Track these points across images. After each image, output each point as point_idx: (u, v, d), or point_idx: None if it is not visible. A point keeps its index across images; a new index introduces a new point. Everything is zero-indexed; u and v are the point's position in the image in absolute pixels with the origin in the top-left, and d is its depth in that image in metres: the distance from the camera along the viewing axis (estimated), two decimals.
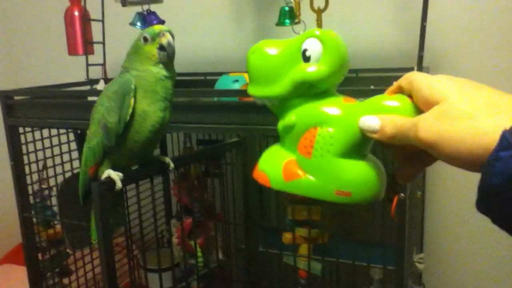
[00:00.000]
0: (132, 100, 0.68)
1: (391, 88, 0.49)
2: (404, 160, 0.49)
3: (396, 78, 1.20)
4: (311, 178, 0.50)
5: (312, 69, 0.50)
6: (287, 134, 0.53)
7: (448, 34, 1.24)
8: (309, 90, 0.51)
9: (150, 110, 0.70)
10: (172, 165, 0.76)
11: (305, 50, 0.50)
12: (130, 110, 0.68)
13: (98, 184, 0.64)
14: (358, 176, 0.49)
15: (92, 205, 0.73)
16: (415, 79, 0.44)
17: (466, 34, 1.23)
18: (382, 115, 0.46)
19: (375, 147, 0.52)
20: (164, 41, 0.69)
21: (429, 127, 0.40)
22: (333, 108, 0.50)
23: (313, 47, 0.50)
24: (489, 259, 1.29)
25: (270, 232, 1.03)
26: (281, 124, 0.53)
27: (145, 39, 0.70)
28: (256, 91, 0.54)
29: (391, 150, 0.51)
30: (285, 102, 0.53)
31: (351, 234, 1.00)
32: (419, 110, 0.44)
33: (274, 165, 0.54)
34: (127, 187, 0.77)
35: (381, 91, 0.51)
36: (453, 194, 1.29)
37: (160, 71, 0.70)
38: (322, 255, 0.96)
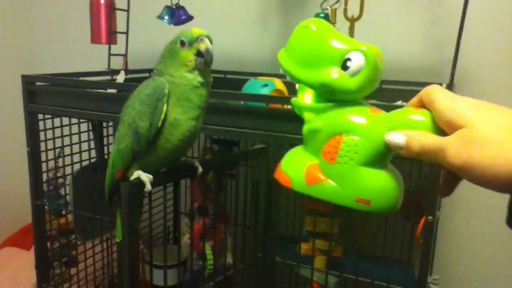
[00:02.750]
0: (165, 107, 0.65)
1: (412, 101, 0.49)
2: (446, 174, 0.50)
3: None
4: (333, 183, 0.51)
5: (344, 79, 0.50)
6: (311, 138, 0.54)
7: (475, 51, 1.22)
8: (336, 96, 0.52)
9: (182, 119, 0.67)
10: (200, 169, 0.74)
11: (347, 59, 0.50)
12: (163, 117, 0.65)
13: (129, 185, 0.63)
14: (379, 185, 0.50)
15: (117, 204, 0.72)
16: (436, 99, 0.45)
17: (494, 52, 1.21)
18: (408, 130, 0.46)
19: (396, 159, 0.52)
20: (202, 47, 0.66)
21: (458, 153, 0.41)
22: (359, 117, 0.50)
23: (356, 61, 0.50)
24: (502, 280, 1.28)
25: (286, 241, 1.01)
26: (306, 128, 0.54)
27: (182, 43, 0.67)
28: (285, 61, 0.54)
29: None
30: (314, 108, 0.54)
31: (362, 250, 0.99)
32: (439, 127, 0.45)
33: (297, 168, 0.54)
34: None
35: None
36: (467, 212, 1.28)
37: (196, 77, 0.67)
38: (337, 269, 0.94)
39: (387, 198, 0.50)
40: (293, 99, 0.57)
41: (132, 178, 0.66)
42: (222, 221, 1.12)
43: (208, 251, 1.08)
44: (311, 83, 0.52)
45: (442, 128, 0.45)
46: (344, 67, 0.50)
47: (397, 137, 0.46)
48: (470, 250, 1.30)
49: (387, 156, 0.50)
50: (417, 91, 1.20)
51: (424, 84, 1.21)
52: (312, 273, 0.95)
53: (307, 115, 0.55)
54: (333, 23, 1.01)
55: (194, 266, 1.12)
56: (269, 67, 1.45)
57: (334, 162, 0.51)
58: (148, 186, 0.65)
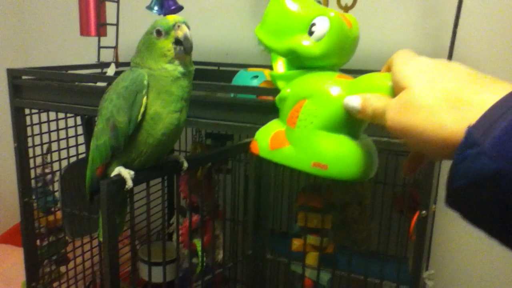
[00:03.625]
0: (145, 99, 0.62)
1: (384, 67, 0.48)
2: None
3: None
4: (292, 148, 0.51)
5: (306, 43, 0.51)
6: (282, 106, 0.54)
7: (471, 40, 1.19)
8: (305, 63, 0.53)
9: (163, 112, 0.63)
10: (186, 165, 0.71)
11: (313, 24, 0.51)
12: (142, 110, 0.62)
13: (107, 182, 0.60)
14: (336, 150, 0.48)
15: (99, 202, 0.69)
16: (394, 62, 0.43)
17: (491, 43, 1.19)
18: (365, 94, 0.45)
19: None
20: (180, 34, 0.62)
21: (394, 117, 0.39)
22: (322, 82, 0.50)
23: (320, 25, 0.50)
24: (498, 275, 1.26)
25: (278, 237, 0.99)
26: (277, 96, 0.55)
27: (158, 33, 0.62)
28: (261, 34, 0.55)
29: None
30: (284, 75, 0.55)
31: (357, 245, 0.97)
32: None
33: (265, 135, 0.56)
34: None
35: None
36: None
37: (177, 68, 0.63)
38: (331, 265, 0.92)
39: (346, 164, 0.48)
40: (270, 71, 0.57)
41: (112, 174, 0.64)
42: (214, 217, 1.09)
43: (199, 248, 1.06)
44: (279, 50, 0.54)
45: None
46: (310, 32, 0.51)
47: (353, 101, 0.45)
48: (467, 245, 1.28)
49: (352, 124, 0.48)
50: None
51: None
52: (304, 269, 0.92)
53: (280, 84, 0.56)
54: None
55: (185, 263, 1.10)
56: (263, 59, 1.42)
57: (294, 127, 0.51)
58: (129, 183, 0.62)
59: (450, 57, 1.01)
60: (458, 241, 1.29)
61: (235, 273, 1.02)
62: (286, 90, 0.53)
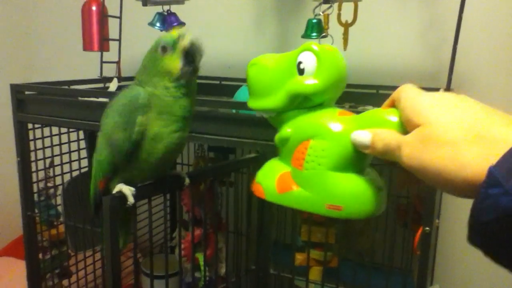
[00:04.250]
0: (140, 118, 0.60)
1: (386, 102, 0.47)
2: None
3: None
4: (303, 190, 0.50)
5: (307, 82, 0.50)
6: (283, 147, 0.53)
7: (473, 55, 1.20)
8: (305, 103, 0.52)
9: (164, 132, 0.62)
10: (187, 181, 0.71)
11: (299, 63, 0.50)
12: (137, 129, 0.61)
13: (110, 198, 0.61)
14: (350, 190, 0.47)
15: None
16: (403, 96, 0.43)
17: (492, 57, 1.19)
18: (374, 129, 0.44)
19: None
20: (186, 43, 0.59)
21: (411, 153, 0.39)
22: (326, 120, 0.49)
23: (307, 60, 0.50)
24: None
25: (281, 250, 0.99)
26: (277, 137, 0.54)
27: (164, 49, 0.60)
28: (255, 104, 0.55)
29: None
30: (282, 114, 0.53)
31: (362, 257, 0.96)
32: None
33: (269, 177, 0.54)
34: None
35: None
36: (466, 221, 1.25)
37: (180, 89, 0.61)
38: (335, 279, 0.92)
39: (360, 203, 0.47)
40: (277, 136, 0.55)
41: (114, 191, 0.64)
42: (216, 230, 1.09)
43: (201, 262, 1.06)
44: (281, 103, 0.52)
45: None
46: (300, 71, 0.50)
47: (362, 135, 0.45)
48: (471, 259, 1.27)
49: (360, 160, 0.48)
50: None
51: (422, 89, 1.20)
52: (307, 284, 0.92)
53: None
54: (326, 29, 0.99)
55: (188, 277, 1.10)
56: None
57: (302, 169, 0.49)
58: (131, 200, 0.63)
59: (451, 70, 1.01)
60: (462, 255, 1.28)
61: (238, 287, 1.02)
62: (286, 130, 0.52)
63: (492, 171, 0.32)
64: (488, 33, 1.18)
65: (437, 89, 1.06)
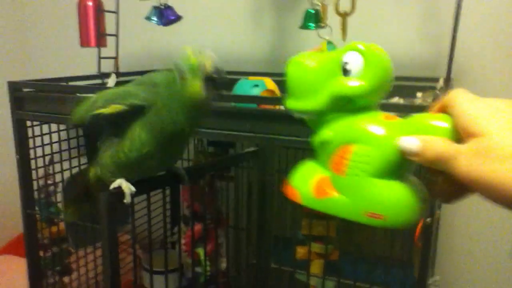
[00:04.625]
0: (114, 108, 0.61)
1: (435, 107, 0.45)
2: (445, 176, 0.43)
3: (419, 87, 1.13)
4: (343, 197, 0.48)
5: (353, 84, 0.47)
6: (322, 150, 0.50)
7: (474, 45, 1.19)
8: (348, 106, 0.48)
9: (156, 152, 0.63)
10: (186, 178, 0.71)
11: (345, 64, 0.47)
12: (103, 111, 0.61)
13: (107, 195, 0.60)
14: (393, 198, 0.45)
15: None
16: (457, 102, 0.40)
17: (492, 46, 1.18)
18: (424, 136, 0.42)
19: None
20: (208, 65, 0.56)
21: (469, 165, 0.36)
22: (372, 125, 0.46)
23: (354, 60, 0.47)
24: (502, 281, 1.25)
25: (282, 244, 0.99)
26: (317, 139, 0.51)
27: (182, 77, 0.57)
28: (294, 105, 0.51)
29: None
30: (323, 116, 0.50)
31: (363, 249, 0.96)
32: (460, 135, 0.40)
33: (306, 181, 0.51)
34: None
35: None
36: (467, 213, 1.25)
37: (188, 123, 0.60)
38: (336, 272, 0.91)
39: (402, 212, 0.45)
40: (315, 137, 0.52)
41: (113, 186, 0.63)
42: (218, 225, 1.09)
43: (202, 257, 1.06)
44: (322, 106, 0.49)
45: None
46: (346, 72, 0.47)
47: (411, 142, 0.42)
48: (471, 251, 1.27)
49: (404, 167, 0.45)
50: (415, 87, 1.16)
51: (422, 79, 1.19)
52: (308, 278, 0.92)
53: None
54: (324, 19, 0.98)
55: (189, 273, 1.10)
56: (263, 66, 1.42)
57: (344, 174, 0.47)
58: (128, 199, 0.62)
59: (450, 60, 1.00)
60: (463, 247, 1.28)
61: (239, 282, 1.02)
62: (328, 132, 0.49)
63: None
64: (486, 23, 1.17)
65: (435, 79, 1.05)
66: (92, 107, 0.64)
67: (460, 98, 0.40)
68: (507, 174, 0.34)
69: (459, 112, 0.39)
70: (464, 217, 1.26)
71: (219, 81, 0.58)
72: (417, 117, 0.44)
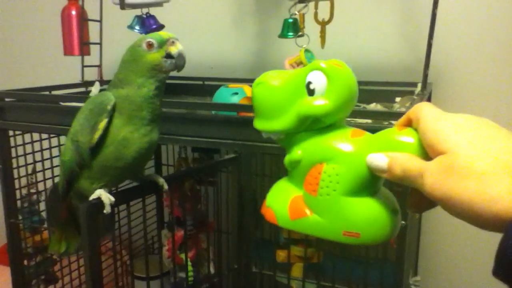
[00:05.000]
0: (103, 124, 0.62)
1: (401, 120, 0.45)
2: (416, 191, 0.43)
3: (398, 92, 1.16)
4: (317, 217, 0.47)
5: (317, 103, 0.47)
6: (293, 169, 0.50)
7: (451, 50, 1.22)
8: (316, 124, 0.49)
9: (133, 137, 0.63)
10: (165, 186, 0.72)
11: (309, 83, 0.48)
12: (98, 133, 0.62)
13: (87, 206, 0.61)
14: (367, 215, 0.45)
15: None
16: (422, 117, 0.40)
17: (469, 50, 1.21)
18: (391, 153, 0.42)
19: None
20: (174, 50, 0.62)
21: (435, 182, 0.36)
22: (339, 143, 0.47)
23: (317, 80, 0.47)
24: (484, 280, 1.28)
25: (263, 247, 1.00)
26: (287, 159, 0.51)
27: (150, 45, 0.62)
28: (262, 125, 0.52)
29: None
30: (292, 136, 0.50)
31: (344, 250, 0.98)
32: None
33: (281, 202, 0.51)
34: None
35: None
36: (449, 215, 1.27)
37: (155, 86, 0.63)
38: (316, 274, 0.93)
39: (377, 228, 0.45)
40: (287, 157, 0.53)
41: (92, 197, 0.65)
42: (204, 230, 1.10)
43: (188, 262, 1.07)
44: (289, 126, 0.49)
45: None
46: (310, 92, 0.47)
47: (379, 160, 0.42)
48: (453, 251, 1.30)
49: (374, 182, 0.46)
50: (393, 91, 1.18)
51: (400, 84, 1.22)
52: (289, 281, 0.93)
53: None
54: (302, 28, 1.00)
55: (172, 278, 1.11)
56: (247, 72, 1.44)
57: (316, 194, 0.47)
58: (107, 209, 0.63)
59: (426, 65, 1.03)
60: (445, 247, 1.31)
61: (221, 286, 1.03)
62: (297, 152, 0.49)
63: None
64: (464, 28, 1.20)
65: (414, 84, 1.08)
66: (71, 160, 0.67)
67: (425, 114, 0.40)
68: (469, 192, 0.34)
69: (425, 129, 0.39)
70: (445, 220, 1.28)
71: (178, 62, 0.63)
72: (384, 133, 0.45)
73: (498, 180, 0.33)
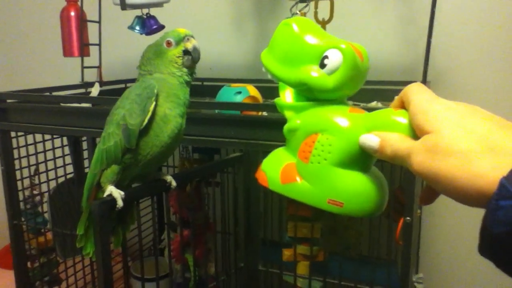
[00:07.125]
0: (153, 105, 0.67)
1: (394, 102, 0.47)
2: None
3: (397, 91, 1.17)
4: (306, 183, 0.50)
5: (317, 75, 0.49)
6: (291, 138, 0.53)
7: (450, 49, 1.23)
8: (312, 94, 0.51)
9: (171, 114, 0.68)
10: (174, 183, 0.73)
11: (325, 57, 0.49)
12: (149, 114, 0.66)
13: (98, 204, 0.61)
14: (352, 187, 0.48)
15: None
16: (413, 100, 0.42)
17: (468, 50, 1.22)
18: (383, 133, 0.44)
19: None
20: (189, 45, 0.69)
21: (421, 160, 0.38)
22: (336, 116, 0.49)
23: (333, 59, 0.49)
24: (485, 277, 1.29)
25: (269, 247, 1.01)
26: (286, 127, 0.54)
27: (169, 43, 0.70)
28: (266, 60, 0.54)
29: None
30: (293, 104, 0.53)
31: (349, 250, 0.98)
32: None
33: (274, 167, 0.54)
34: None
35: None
36: (449, 212, 1.29)
37: (183, 75, 0.70)
38: (322, 273, 0.94)
39: (361, 201, 0.48)
40: (276, 99, 0.56)
41: (104, 194, 0.65)
42: (206, 230, 1.10)
43: (191, 262, 1.07)
44: (289, 81, 0.52)
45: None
46: (322, 65, 0.49)
47: (371, 139, 0.44)
48: (454, 248, 1.31)
49: (366, 159, 0.48)
50: (393, 90, 1.20)
51: (400, 83, 1.23)
52: (295, 279, 0.94)
53: (287, 114, 0.54)
54: None
55: (178, 278, 1.11)
56: (247, 72, 1.44)
57: (308, 162, 0.50)
58: (120, 203, 0.64)
59: (426, 64, 1.04)
60: (446, 244, 1.32)
61: (228, 285, 1.03)
62: (296, 121, 0.52)
63: (503, 183, 0.32)
64: (463, 28, 1.21)
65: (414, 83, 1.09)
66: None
67: (415, 95, 0.42)
68: (453, 169, 0.35)
69: (414, 110, 0.41)
70: (446, 216, 1.29)
71: (194, 58, 0.70)
72: (380, 112, 0.47)
73: (482, 158, 0.34)
